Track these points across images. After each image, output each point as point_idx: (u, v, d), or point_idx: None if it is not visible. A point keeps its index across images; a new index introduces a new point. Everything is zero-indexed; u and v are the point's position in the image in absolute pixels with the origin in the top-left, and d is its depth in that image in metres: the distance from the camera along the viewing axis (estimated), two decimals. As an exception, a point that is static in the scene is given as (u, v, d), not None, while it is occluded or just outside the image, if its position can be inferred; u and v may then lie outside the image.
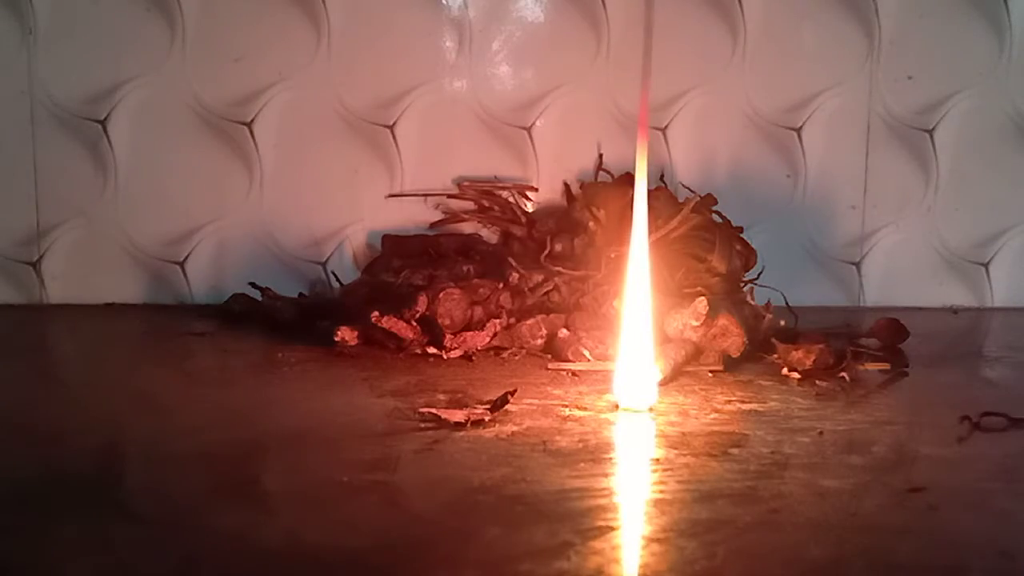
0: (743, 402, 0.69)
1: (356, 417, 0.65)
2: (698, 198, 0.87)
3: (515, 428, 0.62)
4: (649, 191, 0.67)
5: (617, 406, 0.67)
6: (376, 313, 0.80)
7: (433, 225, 0.95)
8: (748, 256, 0.87)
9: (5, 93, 0.92)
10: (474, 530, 0.48)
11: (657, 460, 0.58)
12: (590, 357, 0.77)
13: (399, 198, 0.95)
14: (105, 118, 0.93)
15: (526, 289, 0.84)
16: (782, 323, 0.82)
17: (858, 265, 1.00)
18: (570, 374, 0.75)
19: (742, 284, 0.86)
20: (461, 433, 0.61)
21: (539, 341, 0.81)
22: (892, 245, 1.00)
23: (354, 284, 0.91)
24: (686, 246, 0.84)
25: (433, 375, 0.75)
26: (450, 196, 0.95)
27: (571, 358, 0.78)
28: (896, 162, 0.99)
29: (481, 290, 0.83)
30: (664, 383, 0.71)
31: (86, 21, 0.92)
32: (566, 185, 0.94)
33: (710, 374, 0.76)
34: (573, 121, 0.95)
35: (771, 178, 0.98)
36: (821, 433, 0.62)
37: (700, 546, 0.46)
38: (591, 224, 0.87)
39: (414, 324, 0.80)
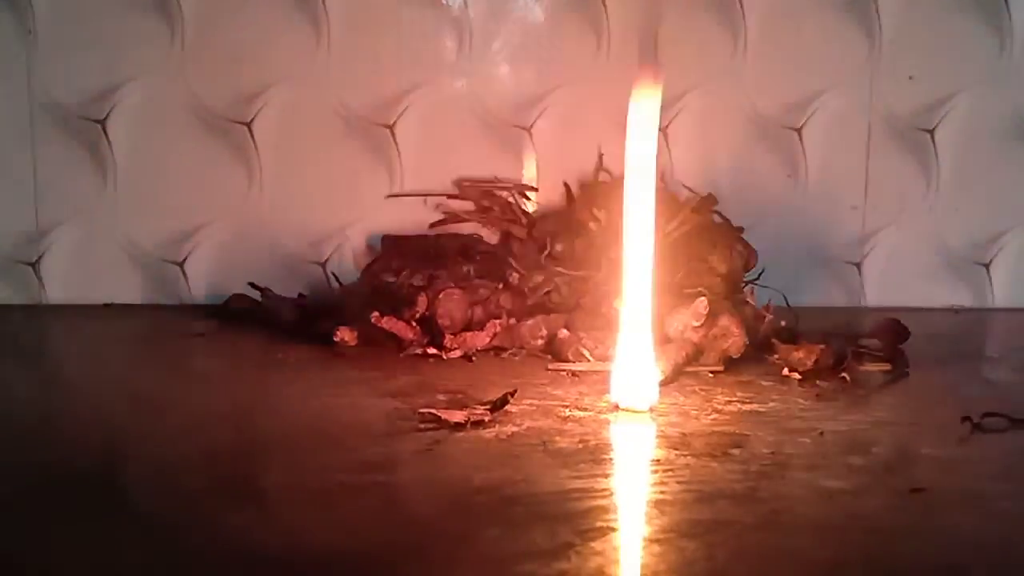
0: (744, 403, 0.69)
1: (356, 417, 0.65)
2: (699, 198, 0.87)
3: (515, 429, 0.62)
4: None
5: (617, 407, 0.67)
6: (376, 313, 0.80)
7: (433, 225, 0.95)
8: (748, 256, 0.87)
9: (5, 93, 0.92)
10: (474, 531, 0.48)
11: (657, 461, 0.58)
12: (590, 357, 0.77)
13: (399, 198, 0.95)
14: (104, 118, 0.92)
15: (526, 289, 0.84)
16: (783, 323, 0.82)
17: (859, 265, 1.00)
18: (570, 374, 0.75)
19: (743, 284, 0.86)
20: (461, 434, 0.61)
21: (539, 341, 0.81)
22: (893, 245, 1.00)
23: (354, 284, 0.91)
24: (687, 246, 0.84)
25: (433, 375, 0.75)
26: (450, 196, 0.95)
27: (571, 358, 0.78)
28: (897, 162, 0.99)
29: (481, 290, 0.83)
30: (665, 384, 0.71)
31: (86, 21, 0.92)
32: (567, 185, 0.94)
33: (711, 375, 0.76)
34: (574, 121, 0.95)
35: (772, 178, 0.97)
36: (822, 434, 0.62)
37: (701, 547, 0.46)
38: (592, 225, 0.87)
39: (414, 324, 0.80)
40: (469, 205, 0.95)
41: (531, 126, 0.96)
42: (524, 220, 0.92)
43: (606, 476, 0.55)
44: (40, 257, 0.94)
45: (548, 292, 0.84)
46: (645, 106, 0.65)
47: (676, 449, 0.59)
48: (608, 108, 0.95)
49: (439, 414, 0.63)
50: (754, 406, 0.68)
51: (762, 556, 0.46)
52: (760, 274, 0.87)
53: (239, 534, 0.47)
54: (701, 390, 0.72)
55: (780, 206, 0.97)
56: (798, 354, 0.76)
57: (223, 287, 0.93)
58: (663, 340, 0.75)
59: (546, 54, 0.95)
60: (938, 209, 0.99)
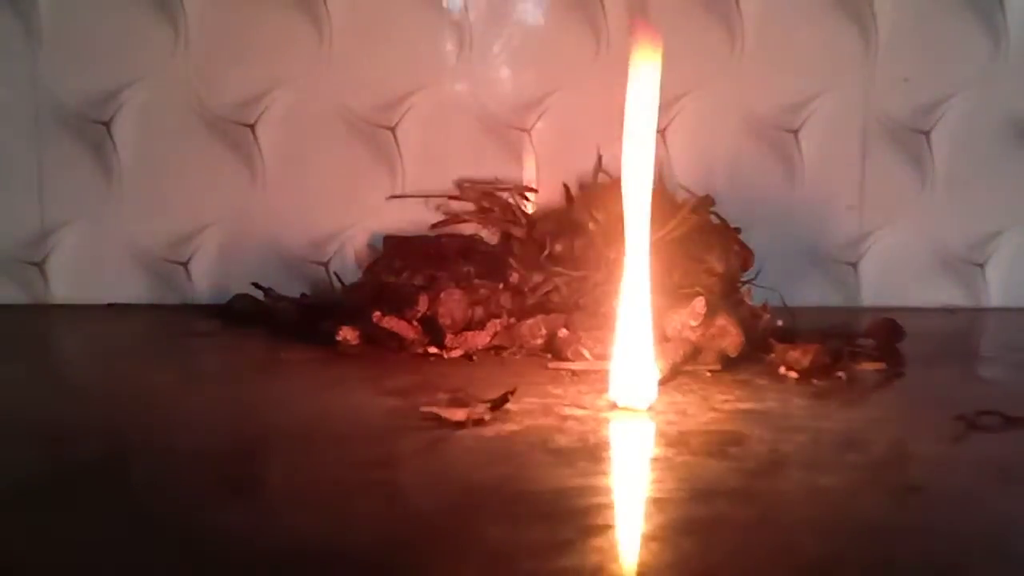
0: (741, 401, 0.69)
1: (358, 416, 0.65)
2: (696, 199, 0.87)
3: (515, 427, 0.62)
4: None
5: (616, 405, 0.67)
6: (378, 313, 0.80)
7: (434, 226, 0.95)
8: (746, 256, 0.87)
9: (10, 95, 0.93)
10: (475, 528, 0.48)
11: (656, 459, 0.58)
12: (589, 357, 0.78)
13: (400, 199, 0.96)
14: (109, 120, 0.93)
15: (526, 289, 0.85)
16: (779, 323, 0.83)
17: (855, 265, 1.00)
18: (570, 373, 0.76)
19: (740, 284, 0.86)
20: (462, 432, 0.61)
21: (539, 341, 0.82)
22: (889, 245, 1.00)
23: (356, 284, 0.91)
24: (684, 247, 0.84)
25: (434, 374, 0.75)
26: (451, 197, 0.95)
27: (571, 358, 0.78)
28: (893, 163, 0.99)
29: (482, 290, 0.83)
30: (663, 382, 0.71)
31: (90, 23, 0.92)
32: (566, 187, 0.95)
33: (708, 374, 0.76)
34: (572, 123, 0.96)
35: (769, 179, 0.98)
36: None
37: (698, 544, 0.46)
38: (590, 225, 0.87)
39: (415, 324, 0.81)
40: (469, 206, 0.95)
41: (531, 128, 0.96)
42: (524, 221, 0.93)
43: (605, 474, 0.56)
44: (45, 257, 0.95)
45: (548, 292, 0.85)
46: (644, 70, 0.65)
47: (674, 447, 0.59)
48: (607, 110, 0.95)
49: (440, 413, 0.63)
50: (751, 404, 0.69)
51: (759, 553, 0.46)
52: (757, 274, 0.88)
53: (241, 532, 0.47)
54: (699, 389, 0.72)
55: (777, 207, 0.98)
56: (795, 353, 0.76)
57: (226, 287, 0.94)
58: (661, 339, 0.75)
59: (545, 57, 0.96)
60: (934, 210, 1.00)
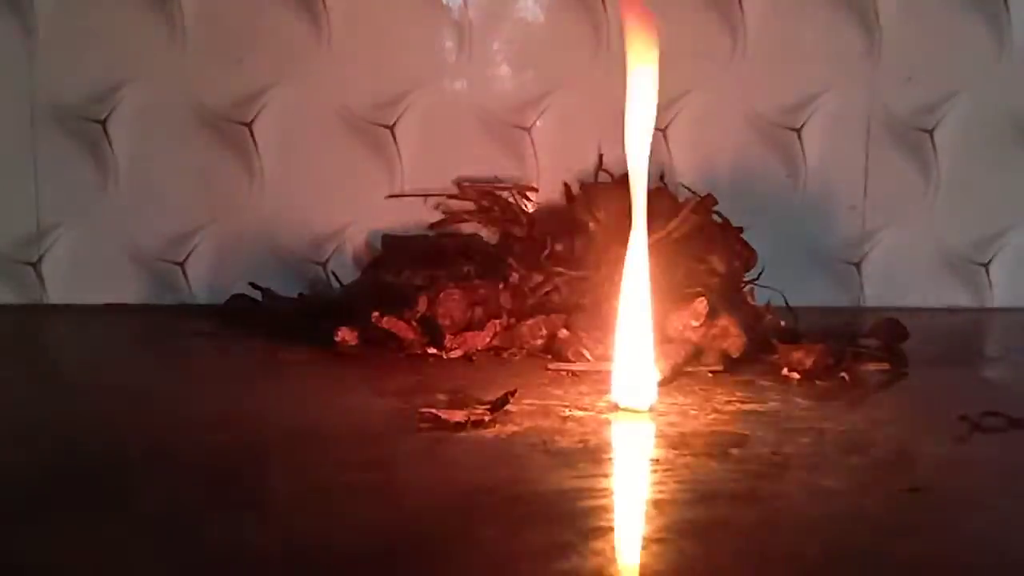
0: (743, 402, 0.69)
1: (356, 417, 0.65)
2: (698, 199, 0.87)
3: (515, 428, 0.62)
4: (649, 192, 0.67)
5: (617, 406, 0.67)
6: (376, 313, 0.80)
7: (433, 225, 0.95)
8: (748, 256, 0.87)
9: (5, 93, 0.92)
10: (474, 531, 0.48)
11: (657, 460, 0.58)
12: (590, 357, 0.77)
13: (399, 198, 0.95)
14: (105, 119, 0.93)
15: (526, 289, 0.84)
16: (782, 323, 0.82)
17: (858, 265, 1.00)
18: (570, 374, 0.75)
19: (742, 284, 0.86)
20: (461, 433, 0.61)
21: (539, 341, 0.81)
22: (892, 245, 1.00)
23: (354, 284, 0.91)
24: (686, 247, 0.84)
25: (433, 375, 0.75)
26: (450, 196, 0.95)
27: (571, 358, 0.78)
28: (896, 162, 0.99)
29: (481, 290, 0.83)
30: (664, 383, 0.71)
31: (86, 21, 0.92)
32: (566, 186, 0.94)
33: (710, 374, 0.76)
34: (573, 121, 0.95)
35: (771, 178, 0.98)
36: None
37: (700, 546, 0.46)
38: (591, 225, 0.87)
39: (414, 324, 0.81)
40: (469, 205, 0.95)
41: (531, 126, 0.96)
42: (524, 220, 0.93)
43: (606, 476, 0.55)
44: (41, 257, 0.94)
45: (548, 292, 0.85)
46: (642, 53, 0.64)
47: (676, 449, 0.59)
48: (607, 108, 0.95)
49: (439, 414, 0.63)
50: (753, 406, 0.68)
51: (761, 556, 0.46)
52: (760, 274, 0.87)
53: (239, 533, 0.47)
54: (700, 390, 0.72)
55: (779, 206, 0.97)
56: (797, 354, 0.76)
57: (224, 287, 0.93)
58: (663, 340, 0.75)
59: (546, 55, 0.95)
60: (937, 209, 1.00)
